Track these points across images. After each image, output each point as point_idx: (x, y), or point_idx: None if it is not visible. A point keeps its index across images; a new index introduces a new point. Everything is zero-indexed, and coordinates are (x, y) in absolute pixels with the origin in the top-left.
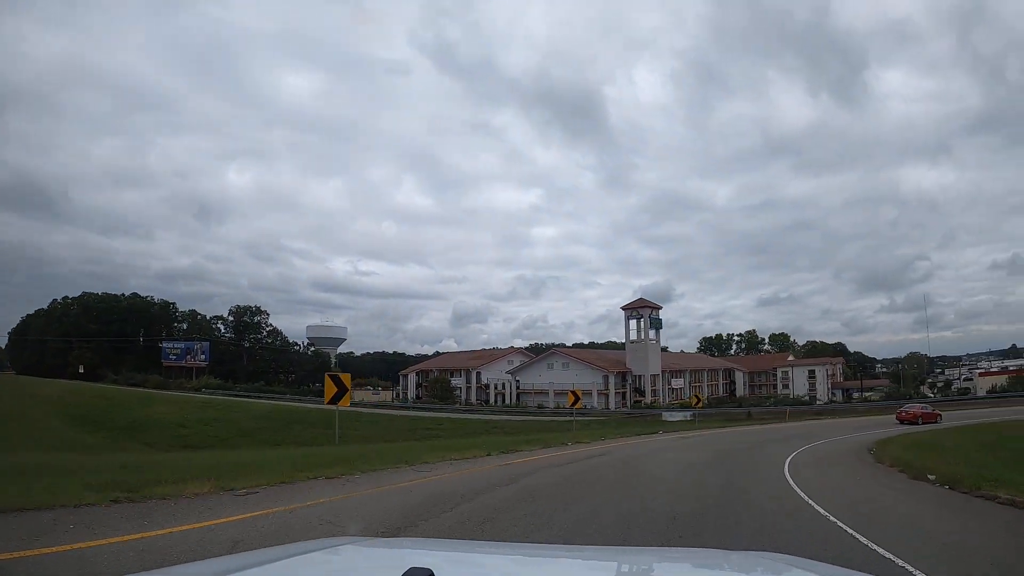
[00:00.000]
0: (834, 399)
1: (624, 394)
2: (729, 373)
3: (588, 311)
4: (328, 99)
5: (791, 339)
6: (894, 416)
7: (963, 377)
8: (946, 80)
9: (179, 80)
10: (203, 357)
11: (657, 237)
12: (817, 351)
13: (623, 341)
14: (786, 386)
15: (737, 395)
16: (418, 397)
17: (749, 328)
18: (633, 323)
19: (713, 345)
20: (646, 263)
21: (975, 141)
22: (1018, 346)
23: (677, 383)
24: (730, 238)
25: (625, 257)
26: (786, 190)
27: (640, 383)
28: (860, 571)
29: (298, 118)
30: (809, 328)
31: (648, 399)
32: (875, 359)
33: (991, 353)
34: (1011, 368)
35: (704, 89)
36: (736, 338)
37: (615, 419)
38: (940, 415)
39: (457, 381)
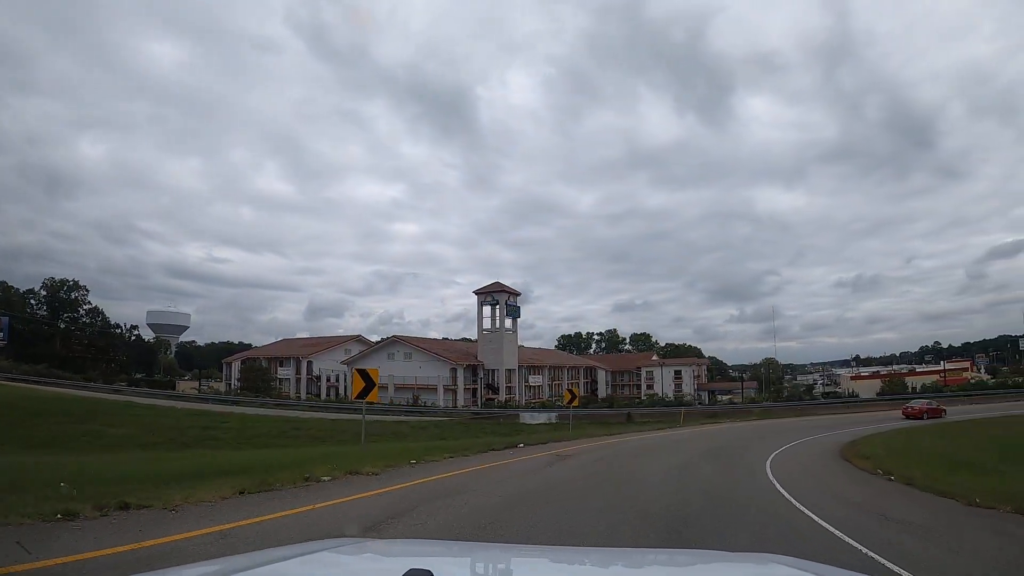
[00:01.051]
0: (698, 399)
1: (475, 391)
2: (591, 371)
3: (445, 309)
4: (193, 72)
5: (653, 339)
6: (816, 417)
7: (823, 382)
8: (807, 111)
9: (35, 35)
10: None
11: (518, 240)
12: (679, 352)
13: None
14: (651, 386)
15: (599, 395)
16: (239, 388)
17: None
18: (488, 310)
19: (572, 344)
20: (506, 265)
21: (828, 170)
22: (861, 356)
23: (535, 380)
24: (589, 244)
25: (485, 258)
26: (646, 201)
27: (494, 379)
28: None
29: (160, 90)
30: (663, 334)
31: (502, 397)
32: (726, 363)
33: (835, 362)
34: (882, 372)
35: (575, 97)
36: (596, 337)
37: (462, 420)
38: (945, 410)
39: (286, 371)
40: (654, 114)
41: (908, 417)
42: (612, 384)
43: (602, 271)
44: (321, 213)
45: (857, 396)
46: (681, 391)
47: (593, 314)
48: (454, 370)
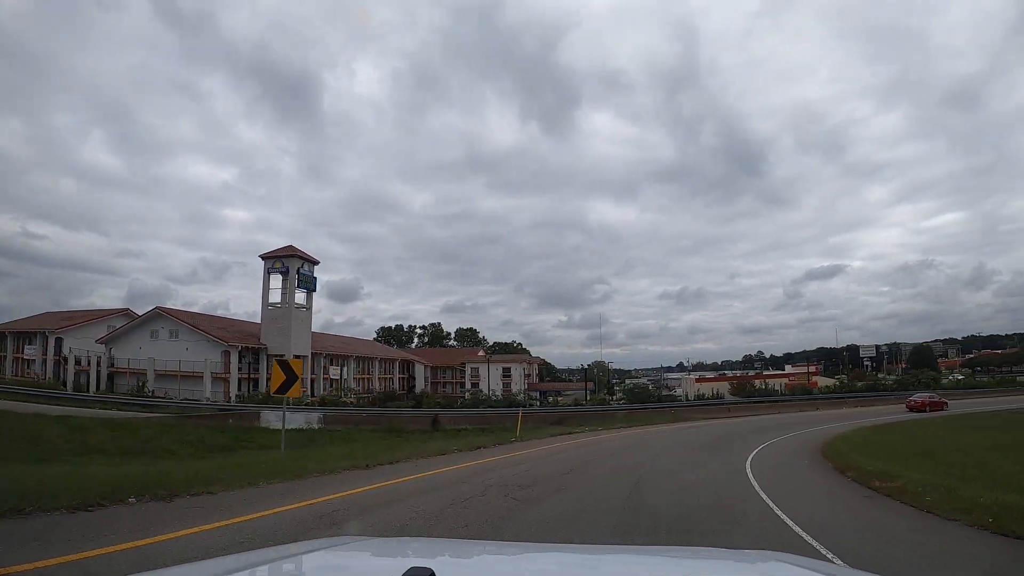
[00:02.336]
0: (532, 400)
1: (257, 381)
2: (408, 366)
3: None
4: (25, 22)
5: (480, 335)
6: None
7: (663, 384)
8: (646, 131)
9: None
10: None
11: (351, 235)
12: (509, 351)
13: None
14: (476, 384)
15: (417, 391)
16: None
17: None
18: (277, 281)
19: (393, 337)
20: (336, 259)
21: (661, 188)
22: (684, 364)
23: (337, 372)
24: (421, 244)
25: (316, 251)
26: (481, 205)
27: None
28: (866, 571)
29: None
30: (491, 336)
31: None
32: (554, 365)
33: (661, 368)
34: (727, 375)
35: (421, 94)
36: (419, 330)
37: (162, 424)
38: (946, 403)
39: (32, 350)
40: (498, 119)
41: (912, 410)
42: (433, 381)
43: (432, 271)
44: (147, 191)
45: (722, 397)
46: (510, 390)
47: (421, 314)
48: (227, 353)
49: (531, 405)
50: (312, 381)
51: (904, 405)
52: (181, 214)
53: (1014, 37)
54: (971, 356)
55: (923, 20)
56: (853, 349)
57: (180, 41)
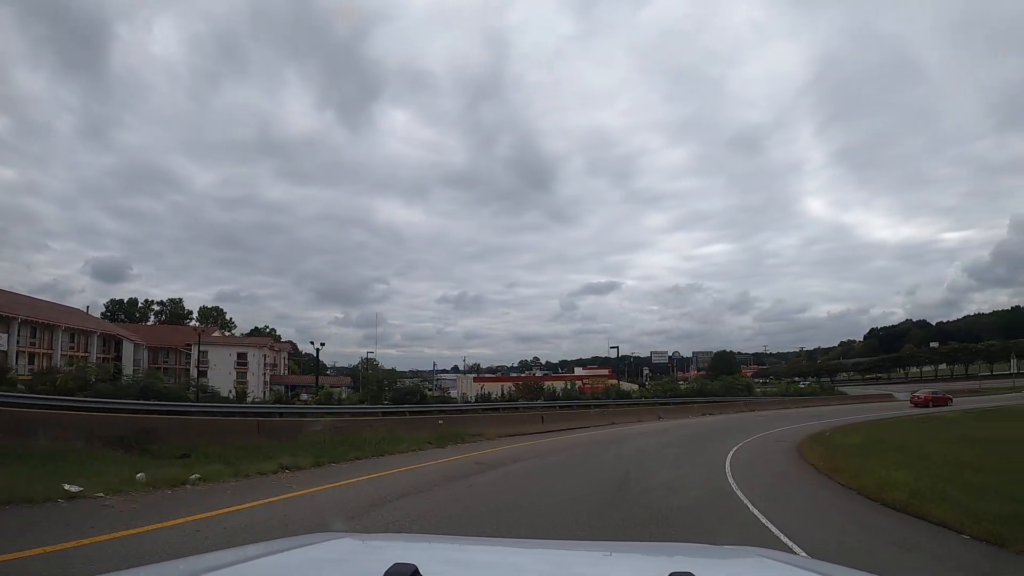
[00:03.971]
0: (279, 396)
1: None
2: (116, 343)
3: (31, 277)
4: None
5: (227, 316)
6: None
7: (438, 386)
8: (443, 134)
9: None
10: None
11: (126, 209)
12: (259, 335)
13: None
14: (204, 372)
15: (125, 373)
16: None
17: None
18: None
19: (124, 312)
20: (107, 235)
21: (450, 193)
22: (458, 367)
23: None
24: (200, 226)
25: (86, 223)
26: (267, 191)
27: None
28: (855, 568)
29: None
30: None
31: None
32: (324, 363)
33: (438, 370)
34: (514, 376)
35: (219, 65)
36: (156, 306)
37: None
38: (951, 399)
39: None
40: (295, 103)
41: (916, 406)
42: (153, 364)
43: (210, 257)
44: None
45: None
46: (245, 381)
47: (195, 301)
48: None
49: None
50: None
51: (909, 401)
52: None
53: (800, 97)
54: (763, 367)
55: (722, 69)
56: (640, 359)
57: None
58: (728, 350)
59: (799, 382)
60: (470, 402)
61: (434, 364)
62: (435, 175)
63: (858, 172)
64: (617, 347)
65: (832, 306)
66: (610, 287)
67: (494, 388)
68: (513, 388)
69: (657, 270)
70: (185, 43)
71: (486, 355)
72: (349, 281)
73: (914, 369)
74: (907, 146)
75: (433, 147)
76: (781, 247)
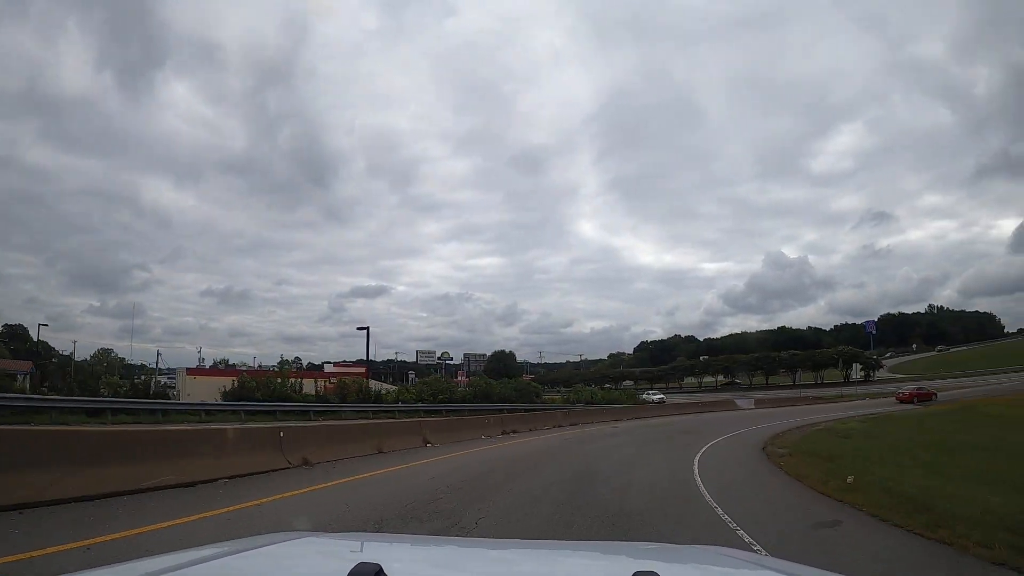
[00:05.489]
0: None
1: None
2: None
3: None
4: None
5: None
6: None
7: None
8: (225, 115)
9: None
10: None
11: None
12: None
13: None
14: None
15: None
16: None
17: None
18: None
19: None
20: None
21: (225, 180)
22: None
23: None
24: None
25: None
26: (28, 153)
27: None
28: (819, 568)
29: None
30: (11, 316)
31: None
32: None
33: (164, 368)
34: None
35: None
36: None
37: None
38: (935, 394)
39: None
40: (72, 58)
41: (901, 402)
42: None
43: None
44: None
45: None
46: None
47: None
48: None
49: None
50: None
51: (895, 397)
52: None
53: (585, 125)
54: (534, 375)
55: (516, 88)
56: (406, 363)
57: None
58: (506, 350)
59: (604, 387)
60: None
61: (158, 355)
62: (211, 158)
63: (630, 201)
64: (368, 345)
65: (596, 322)
66: (380, 291)
67: (212, 381)
68: (234, 381)
69: (429, 277)
70: None
71: (250, 354)
72: (108, 266)
73: (691, 379)
74: (679, 181)
75: (213, 128)
76: (552, 264)
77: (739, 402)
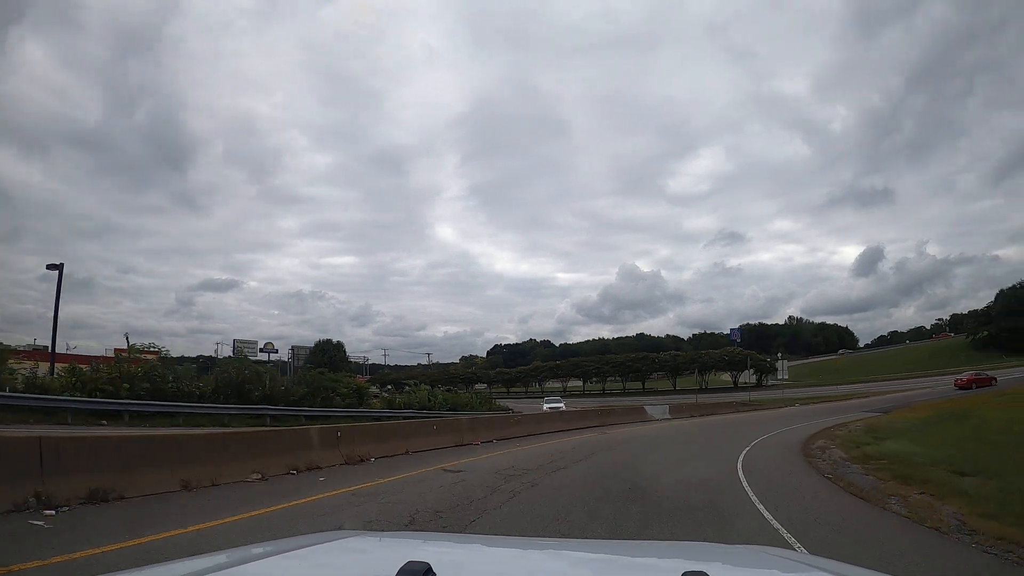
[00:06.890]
0: None
1: None
2: None
3: None
4: None
5: None
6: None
7: None
8: (79, 82)
9: None
10: None
11: None
12: None
13: None
14: None
15: None
16: None
17: None
18: None
19: None
20: None
21: (74, 154)
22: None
23: None
24: None
25: None
26: None
27: None
28: (869, 568)
29: None
30: None
31: None
32: None
33: None
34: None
35: None
36: None
37: None
38: (995, 379)
39: None
40: None
41: (960, 388)
42: None
43: None
44: None
45: None
46: None
47: None
48: None
49: None
50: None
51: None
52: None
53: (450, 130)
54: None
55: (385, 85)
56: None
57: None
58: (334, 340)
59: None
60: None
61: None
62: (61, 130)
63: (490, 207)
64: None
65: (450, 327)
66: (231, 285)
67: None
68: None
69: (283, 274)
70: None
71: (92, 348)
72: None
73: (554, 383)
74: (538, 192)
75: (65, 96)
76: (409, 267)
77: (648, 409)
